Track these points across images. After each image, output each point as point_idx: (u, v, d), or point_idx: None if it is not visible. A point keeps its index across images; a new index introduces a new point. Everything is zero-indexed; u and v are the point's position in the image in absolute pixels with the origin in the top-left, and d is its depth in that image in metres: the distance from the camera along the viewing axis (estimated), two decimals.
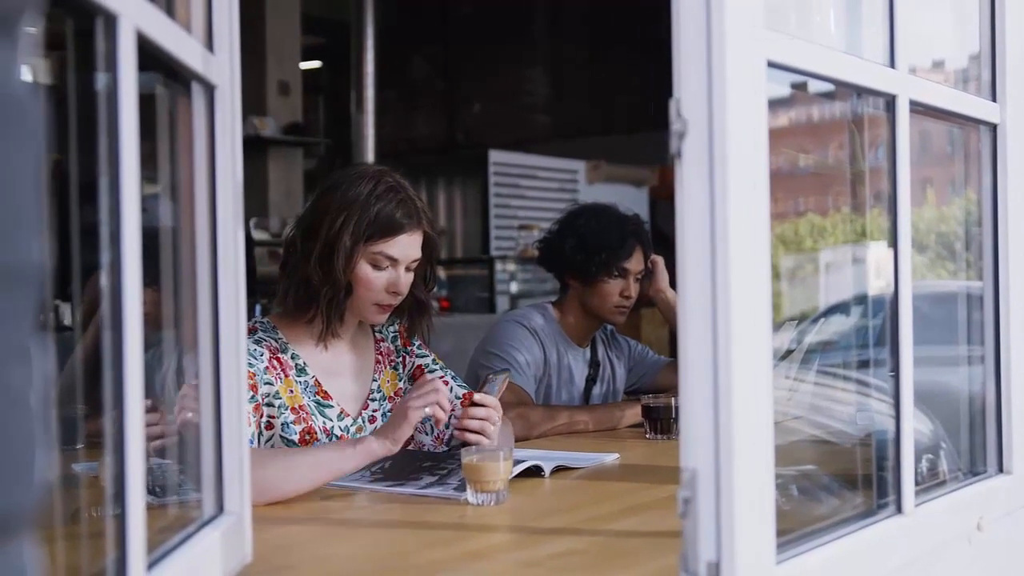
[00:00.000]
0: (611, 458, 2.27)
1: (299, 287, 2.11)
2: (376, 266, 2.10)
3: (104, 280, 0.98)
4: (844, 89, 1.53)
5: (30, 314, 0.53)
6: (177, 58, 1.16)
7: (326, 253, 2.07)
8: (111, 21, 0.96)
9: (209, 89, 1.30)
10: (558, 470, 2.09)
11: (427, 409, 1.91)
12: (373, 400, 2.23)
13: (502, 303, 7.03)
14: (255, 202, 6.81)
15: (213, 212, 1.31)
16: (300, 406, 2.09)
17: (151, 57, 1.07)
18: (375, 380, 2.25)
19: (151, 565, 1.05)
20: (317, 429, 2.09)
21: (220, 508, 1.32)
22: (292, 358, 2.13)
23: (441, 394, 1.93)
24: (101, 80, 0.98)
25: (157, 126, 1.26)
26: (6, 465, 0.51)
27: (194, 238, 1.30)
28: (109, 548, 0.98)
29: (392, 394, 2.27)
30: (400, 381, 2.29)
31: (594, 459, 2.23)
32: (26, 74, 0.54)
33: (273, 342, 2.12)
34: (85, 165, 0.99)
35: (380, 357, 2.28)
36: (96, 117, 0.98)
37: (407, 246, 2.11)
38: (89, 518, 1.27)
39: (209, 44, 1.30)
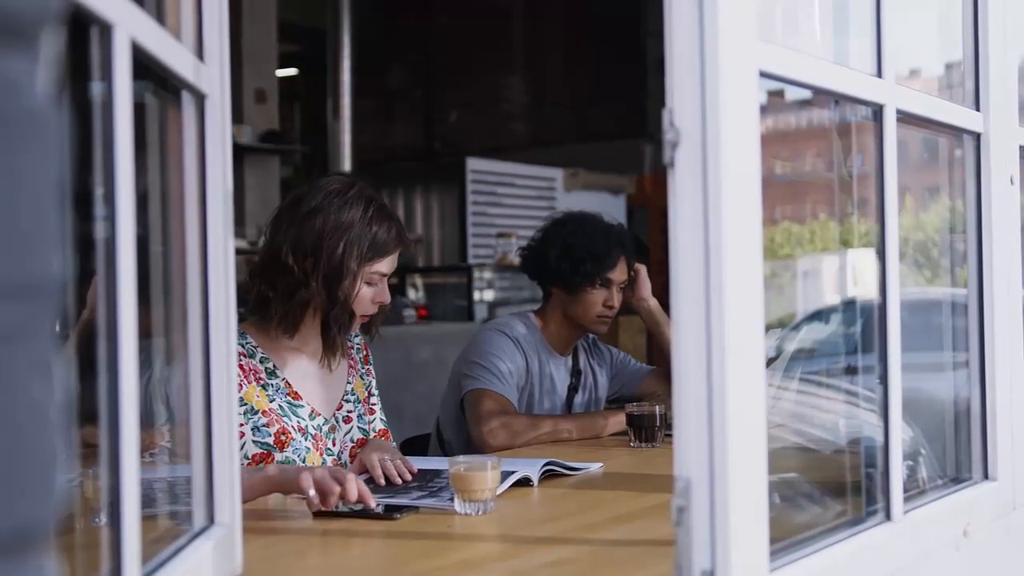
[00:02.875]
0: (595, 467, 2.27)
1: (299, 308, 2.14)
2: (370, 283, 2.19)
3: (96, 289, 0.97)
4: (825, 97, 1.54)
5: (50, 328, 0.53)
6: (169, 67, 1.16)
7: (332, 277, 2.12)
8: (106, 30, 0.95)
9: (200, 98, 1.29)
10: (547, 476, 2.08)
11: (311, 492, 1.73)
12: (348, 401, 2.30)
13: (480, 311, 7.01)
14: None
15: (203, 221, 1.30)
16: (271, 408, 2.13)
17: (142, 66, 1.06)
18: (349, 383, 2.32)
19: None
20: (291, 428, 2.14)
21: (211, 519, 1.31)
22: (261, 362, 2.17)
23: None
24: (95, 88, 0.97)
25: (147, 134, 1.26)
26: (29, 479, 0.50)
27: (184, 247, 1.30)
28: (102, 560, 0.98)
29: (362, 400, 2.34)
30: (365, 390, 2.37)
31: (580, 468, 2.22)
32: (45, 86, 0.54)
33: (240, 347, 2.14)
34: (75, 173, 0.98)
35: (352, 362, 2.35)
36: (88, 125, 0.97)
37: (395, 261, 2.23)
38: (75, 529, 1.26)
39: (199, 53, 1.30)
